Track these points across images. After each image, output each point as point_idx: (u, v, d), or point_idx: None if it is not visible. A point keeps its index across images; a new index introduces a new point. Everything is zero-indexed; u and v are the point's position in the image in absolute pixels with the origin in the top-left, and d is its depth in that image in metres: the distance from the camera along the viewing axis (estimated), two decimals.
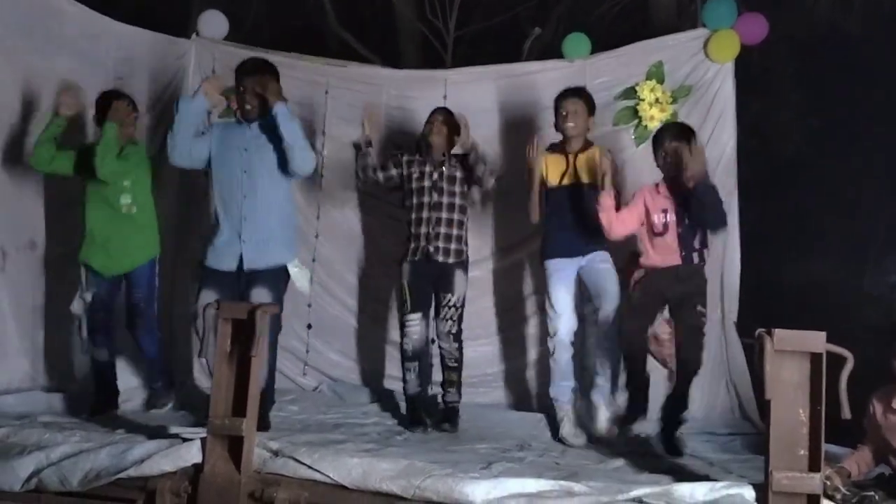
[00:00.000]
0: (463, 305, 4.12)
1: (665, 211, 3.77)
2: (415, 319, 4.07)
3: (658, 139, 3.83)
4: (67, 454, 2.85)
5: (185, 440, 2.87)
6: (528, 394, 4.74)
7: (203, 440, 2.81)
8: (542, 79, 4.91)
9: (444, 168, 4.15)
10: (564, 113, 4.02)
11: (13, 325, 4.25)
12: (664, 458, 3.57)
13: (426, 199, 4.13)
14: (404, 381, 4.14)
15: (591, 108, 4.08)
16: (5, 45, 4.26)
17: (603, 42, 5.05)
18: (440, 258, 4.08)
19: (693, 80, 4.61)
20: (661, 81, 4.61)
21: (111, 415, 3.89)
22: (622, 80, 4.72)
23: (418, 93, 5.08)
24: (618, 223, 3.79)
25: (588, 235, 3.95)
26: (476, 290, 4.61)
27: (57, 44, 4.52)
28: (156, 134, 5.02)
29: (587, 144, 4.07)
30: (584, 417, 3.97)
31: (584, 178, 3.99)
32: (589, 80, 4.71)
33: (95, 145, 3.90)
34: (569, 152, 4.05)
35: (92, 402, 3.94)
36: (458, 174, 4.17)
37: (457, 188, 4.17)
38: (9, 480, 2.80)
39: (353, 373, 5.02)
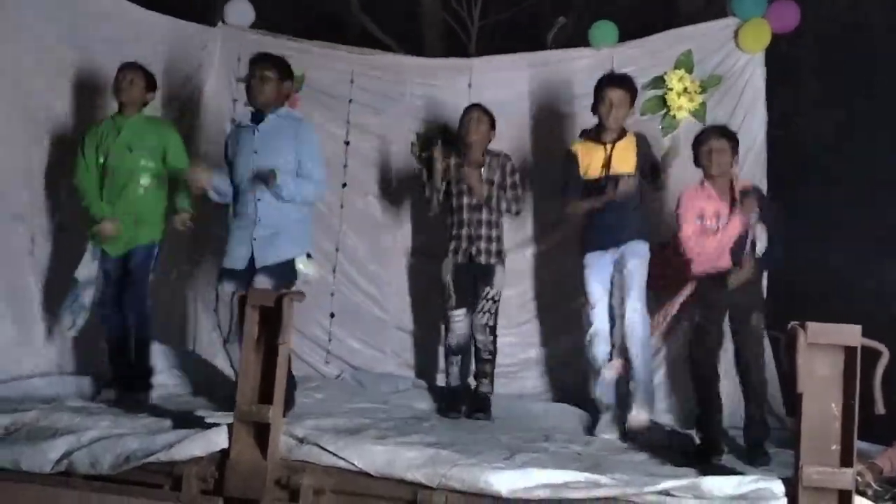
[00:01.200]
0: (499, 300, 4.19)
1: (717, 212, 3.63)
2: (459, 315, 4.17)
3: (700, 140, 3.70)
4: (97, 437, 2.89)
5: (212, 426, 2.88)
6: (551, 384, 4.73)
7: (230, 426, 2.83)
8: (569, 67, 4.88)
9: (482, 170, 4.19)
10: (608, 102, 3.87)
11: (41, 310, 4.29)
12: (686, 452, 3.55)
13: (466, 200, 4.20)
14: (447, 373, 4.25)
15: (633, 97, 3.98)
16: (33, 31, 4.29)
17: (628, 32, 5.00)
18: (482, 260, 4.16)
19: (723, 69, 4.55)
20: (689, 71, 4.56)
21: (142, 397, 3.90)
22: (650, 69, 4.66)
23: (443, 81, 5.07)
24: (697, 246, 3.64)
25: (625, 225, 3.87)
26: (508, 277, 4.56)
27: (81, 31, 4.55)
28: (180, 121, 5.05)
29: (622, 132, 3.95)
30: (621, 415, 3.88)
31: (622, 169, 3.86)
32: (616, 69, 4.63)
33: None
34: (605, 142, 3.92)
35: (111, 380, 3.93)
36: (496, 178, 4.22)
37: (494, 190, 4.21)
38: (38, 462, 2.84)
39: (375, 361, 5.02)
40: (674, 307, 3.77)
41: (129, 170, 3.94)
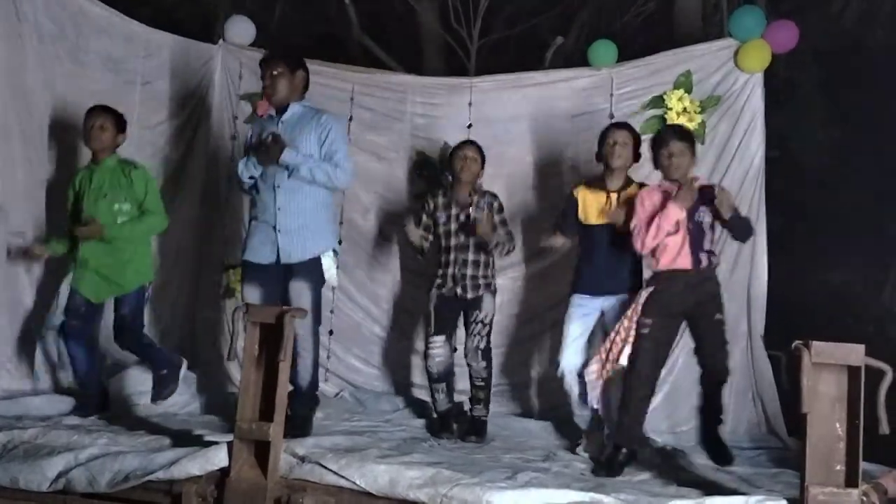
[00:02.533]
0: (491, 323, 4.15)
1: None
2: (438, 342, 4.10)
3: (659, 141, 3.66)
4: (96, 455, 2.87)
5: (211, 444, 2.86)
6: (552, 403, 4.69)
7: (230, 444, 2.80)
8: (568, 86, 4.90)
9: (470, 209, 4.13)
10: (612, 143, 3.84)
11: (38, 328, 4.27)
12: (690, 471, 3.53)
13: (453, 241, 4.15)
14: (433, 399, 4.17)
15: (637, 143, 3.92)
16: (37, 50, 4.30)
17: (626, 52, 5.04)
18: (469, 295, 4.13)
19: (722, 90, 4.57)
20: (689, 91, 4.58)
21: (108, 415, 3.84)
22: (649, 89, 4.68)
23: (443, 100, 5.08)
24: (648, 238, 3.59)
25: (617, 277, 3.83)
26: (503, 297, 4.59)
27: (86, 49, 4.58)
28: (181, 138, 5.07)
29: (627, 182, 3.91)
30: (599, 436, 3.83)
31: (621, 220, 3.80)
32: (616, 89, 4.71)
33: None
34: (609, 190, 3.89)
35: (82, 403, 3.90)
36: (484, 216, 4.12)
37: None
38: (36, 480, 2.82)
39: (375, 380, 5.00)
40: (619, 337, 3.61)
41: (103, 217, 3.86)
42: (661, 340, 3.55)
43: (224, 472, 2.78)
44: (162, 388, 3.86)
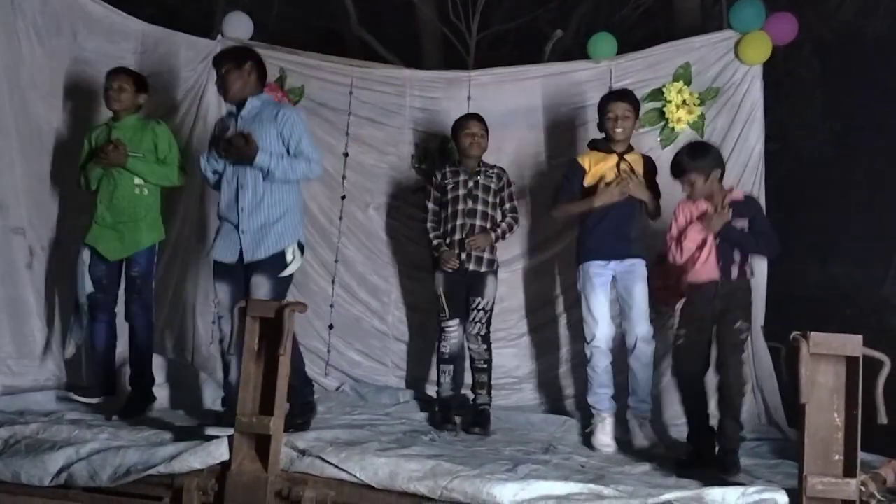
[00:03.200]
0: (492, 309, 4.20)
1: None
2: (453, 326, 4.18)
3: (678, 165, 3.61)
4: (97, 450, 2.87)
5: (212, 438, 2.87)
6: (552, 396, 4.72)
7: (230, 438, 2.81)
8: (567, 79, 4.90)
9: (479, 177, 4.22)
10: (614, 116, 3.91)
11: (39, 324, 4.29)
12: (691, 463, 3.54)
13: (461, 206, 4.20)
14: (438, 383, 4.23)
15: (637, 111, 4.03)
16: (33, 48, 4.29)
17: (625, 45, 5.03)
18: (472, 267, 4.16)
19: (721, 82, 4.58)
20: (688, 83, 4.58)
21: (145, 409, 3.86)
22: (649, 82, 4.69)
23: (442, 93, 5.09)
24: (678, 255, 3.60)
25: (626, 239, 3.89)
26: (504, 290, 4.61)
27: (83, 45, 4.57)
28: (178, 134, 5.06)
29: (629, 147, 4.01)
30: (619, 429, 3.89)
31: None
32: (615, 81, 4.70)
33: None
34: (617, 151, 3.95)
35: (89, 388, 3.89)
36: (493, 185, 4.26)
37: (490, 198, 4.24)
38: (38, 474, 2.82)
39: (375, 373, 5.01)
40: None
41: (122, 171, 3.88)
42: (696, 348, 3.54)
43: (225, 466, 2.78)
44: (131, 408, 3.80)
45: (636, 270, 3.91)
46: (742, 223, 3.55)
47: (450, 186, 4.24)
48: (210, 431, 3.07)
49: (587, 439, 3.91)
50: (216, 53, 3.95)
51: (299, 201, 3.74)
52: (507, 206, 4.30)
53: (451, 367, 4.18)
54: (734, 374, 3.45)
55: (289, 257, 3.61)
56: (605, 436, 3.82)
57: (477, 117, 4.32)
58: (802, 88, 7.71)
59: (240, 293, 3.59)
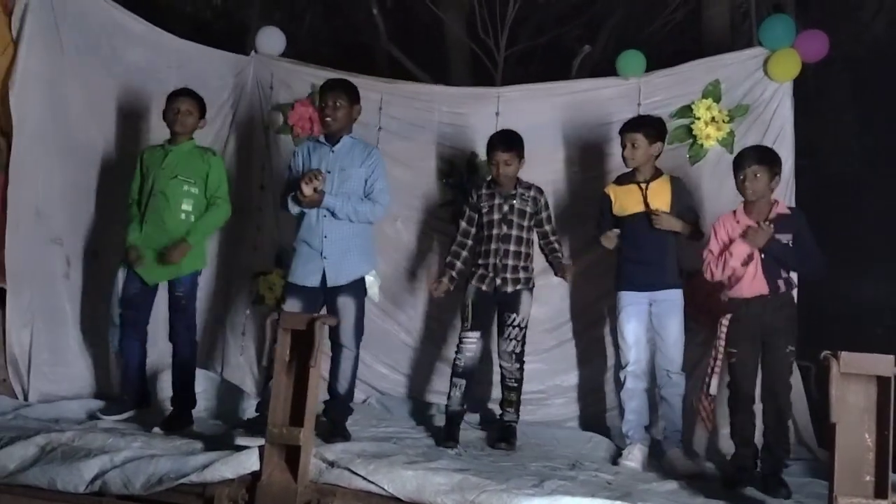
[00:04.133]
0: (526, 326, 4.13)
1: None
2: (472, 338, 4.10)
3: (738, 162, 3.65)
4: (130, 458, 2.93)
5: (243, 448, 2.91)
6: (579, 412, 4.70)
7: (261, 448, 2.86)
8: (596, 96, 4.91)
9: (514, 201, 4.15)
10: (623, 145, 3.98)
11: (75, 333, 4.38)
12: (718, 481, 3.52)
13: (495, 231, 4.14)
14: (448, 396, 4.14)
15: (653, 135, 3.98)
16: (74, 63, 4.42)
17: (654, 61, 5.04)
18: (508, 289, 4.12)
19: (750, 99, 4.56)
20: (717, 100, 4.57)
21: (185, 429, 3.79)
22: (678, 99, 4.68)
23: (471, 109, 5.12)
24: (718, 271, 3.62)
25: (661, 269, 3.89)
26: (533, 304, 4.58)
27: (120, 60, 4.69)
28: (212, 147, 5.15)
29: (657, 172, 4.01)
30: (652, 456, 3.88)
31: (658, 206, 3.91)
32: (643, 98, 4.71)
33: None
34: (639, 181, 3.98)
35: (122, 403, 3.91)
36: (529, 209, 4.17)
37: (525, 222, 4.16)
38: (74, 481, 2.89)
39: (402, 386, 5.03)
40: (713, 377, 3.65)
41: (171, 195, 3.92)
42: (750, 363, 3.56)
43: (255, 476, 2.83)
44: (171, 424, 3.77)
45: (671, 301, 3.90)
46: (787, 238, 3.54)
47: (485, 210, 4.18)
48: (241, 442, 3.11)
49: (614, 457, 3.90)
50: (333, 81, 3.99)
51: (372, 230, 3.98)
52: (548, 227, 4.23)
53: (464, 381, 4.09)
54: (784, 401, 3.48)
55: (368, 282, 3.84)
56: (632, 462, 3.78)
57: (502, 145, 4.15)
58: (833, 104, 7.64)
59: (314, 311, 3.71)
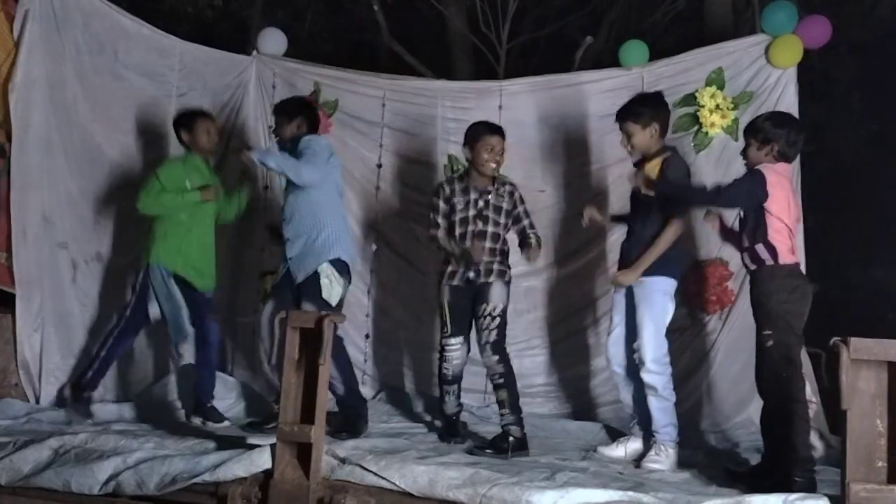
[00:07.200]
0: (502, 315, 3.82)
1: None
2: (455, 343, 3.88)
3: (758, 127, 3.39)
4: (144, 459, 2.94)
5: (255, 446, 2.93)
6: (587, 403, 4.71)
7: (273, 446, 2.86)
8: (599, 87, 4.90)
9: (489, 197, 3.90)
10: (621, 135, 3.76)
11: (82, 335, 4.40)
12: (730, 469, 3.51)
13: (470, 227, 3.88)
14: (443, 402, 4.01)
15: (645, 117, 3.65)
16: (76, 66, 4.42)
17: (656, 50, 5.02)
18: (480, 280, 3.87)
19: (754, 86, 4.55)
20: (721, 88, 4.56)
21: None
22: (681, 87, 4.68)
23: (473, 103, 5.12)
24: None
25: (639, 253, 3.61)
26: (532, 300, 4.61)
27: (124, 62, 4.70)
28: (216, 148, 5.15)
29: (658, 151, 3.68)
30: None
31: (642, 188, 3.60)
32: (647, 88, 4.68)
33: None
34: (636, 164, 3.78)
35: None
36: (505, 205, 3.92)
37: (501, 219, 3.91)
38: (88, 483, 2.90)
39: (411, 382, 5.04)
40: None
41: (211, 214, 4.31)
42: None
43: (268, 474, 2.84)
44: (199, 408, 4.05)
45: (649, 287, 3.59)
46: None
47: (459, 207, 3.91)
48: (252, 440, 3.12)
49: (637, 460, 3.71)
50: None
51: (333, 225, 3.92)
52: (526, 222, 3.95)
53: (455, 386, 3.94)
54: (774, 402, 3.21)
55: (323, 281, 3.83)
56: (611, 451, 3.72)
57: (501, 131, 3.94)
58: (839, 89, 7.60)
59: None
